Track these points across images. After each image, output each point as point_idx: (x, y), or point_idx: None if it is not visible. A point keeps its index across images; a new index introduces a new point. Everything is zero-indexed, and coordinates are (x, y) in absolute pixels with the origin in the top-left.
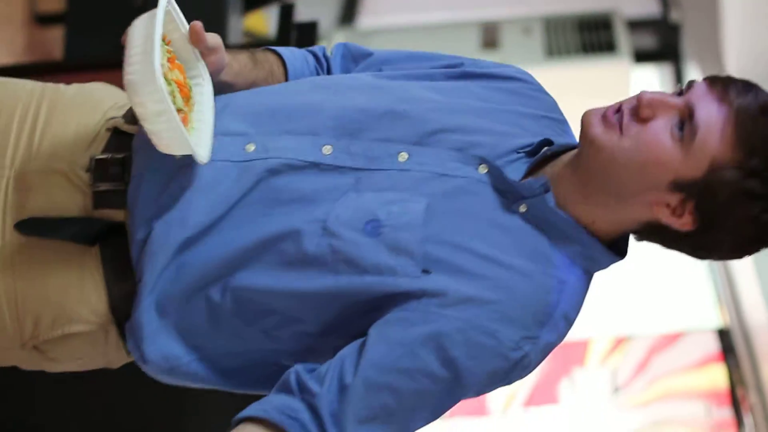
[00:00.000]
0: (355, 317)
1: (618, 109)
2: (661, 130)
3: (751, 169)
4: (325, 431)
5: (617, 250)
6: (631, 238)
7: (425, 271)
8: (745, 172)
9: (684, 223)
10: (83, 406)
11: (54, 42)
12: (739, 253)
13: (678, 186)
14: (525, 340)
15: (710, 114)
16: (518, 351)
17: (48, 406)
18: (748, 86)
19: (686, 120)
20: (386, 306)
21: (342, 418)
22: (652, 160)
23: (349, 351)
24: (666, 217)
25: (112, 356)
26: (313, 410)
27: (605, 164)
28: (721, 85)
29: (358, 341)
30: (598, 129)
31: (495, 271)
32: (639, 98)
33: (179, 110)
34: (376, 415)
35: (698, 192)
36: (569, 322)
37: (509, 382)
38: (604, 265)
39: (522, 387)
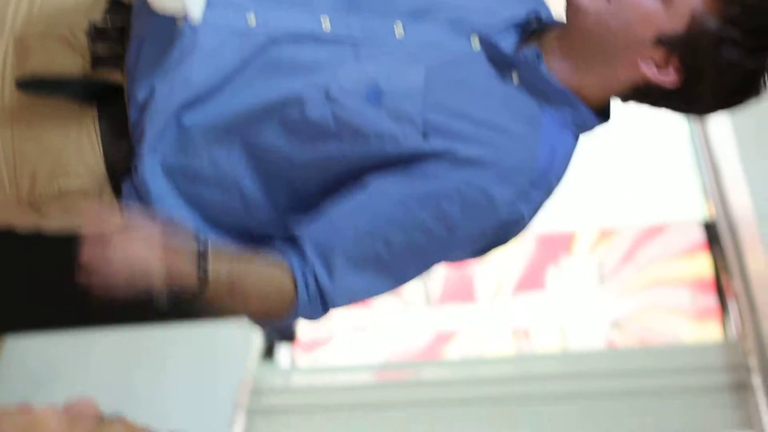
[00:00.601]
0: (355, 179)
1: None
2: None
3: (731, 18)
4: (304, 253)
5: (603, 116)
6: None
7: (425, 136)
8: (724, 20)
9: (669, 78)
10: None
11: None
12: (720, 105)
13: (661, 41)
14: (519, 200)
15: None
16: (512, 210)
17: (43, 271)
18: None
19: None
20: (387, 167)
21: (328, 251)
22: (636, 17)
23: (342, 198)
24: (652, 74)
25: None
26: (294, 241)
27: (592, 28)
28: None
29: (354, 193)
30: None
31: (492, 135)
32: None
33: None
34: (367, 261)
35: (681, 45)
36: (559, 181)
37: (503, 241)
38: (590, 127)
39: (510, 274)
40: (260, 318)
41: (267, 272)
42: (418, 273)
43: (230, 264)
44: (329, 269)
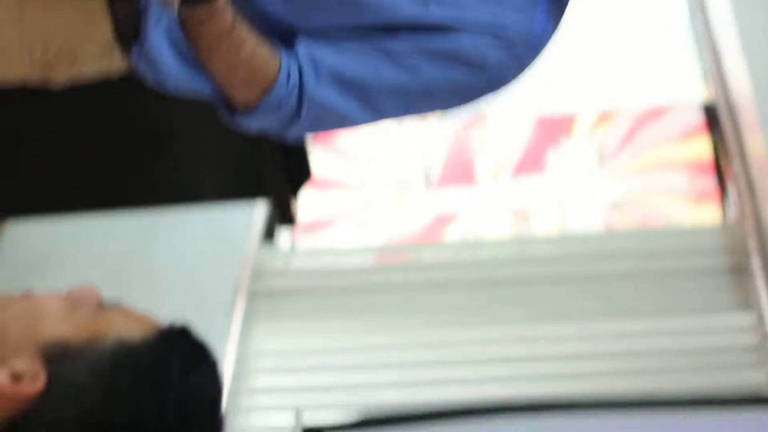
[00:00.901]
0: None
1: None
2: None
3: None
4: (297, 55)
5: None
6: None
7: (426, 3)
8: None
9: None
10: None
11: None
12: None
13: None
14: (511, 64)
15: None
16: (502, 71)
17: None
18: None
19: None
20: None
21: (319, 63)
22: None
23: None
24: None
25: (114, 68)
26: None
27: None
28: None
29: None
30: None
31: (492, 5)
32: None
33: None
34: (352, 85)
35: None
36: (548, 43)
37: (484, 95)
38: None
39: (509, 157)
40: (238, 87)
41: (264, 45)
42: (396, 113)
43: (239, 17)
44: (316, 73)
